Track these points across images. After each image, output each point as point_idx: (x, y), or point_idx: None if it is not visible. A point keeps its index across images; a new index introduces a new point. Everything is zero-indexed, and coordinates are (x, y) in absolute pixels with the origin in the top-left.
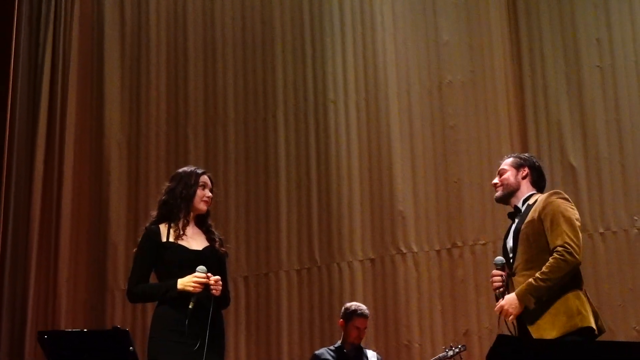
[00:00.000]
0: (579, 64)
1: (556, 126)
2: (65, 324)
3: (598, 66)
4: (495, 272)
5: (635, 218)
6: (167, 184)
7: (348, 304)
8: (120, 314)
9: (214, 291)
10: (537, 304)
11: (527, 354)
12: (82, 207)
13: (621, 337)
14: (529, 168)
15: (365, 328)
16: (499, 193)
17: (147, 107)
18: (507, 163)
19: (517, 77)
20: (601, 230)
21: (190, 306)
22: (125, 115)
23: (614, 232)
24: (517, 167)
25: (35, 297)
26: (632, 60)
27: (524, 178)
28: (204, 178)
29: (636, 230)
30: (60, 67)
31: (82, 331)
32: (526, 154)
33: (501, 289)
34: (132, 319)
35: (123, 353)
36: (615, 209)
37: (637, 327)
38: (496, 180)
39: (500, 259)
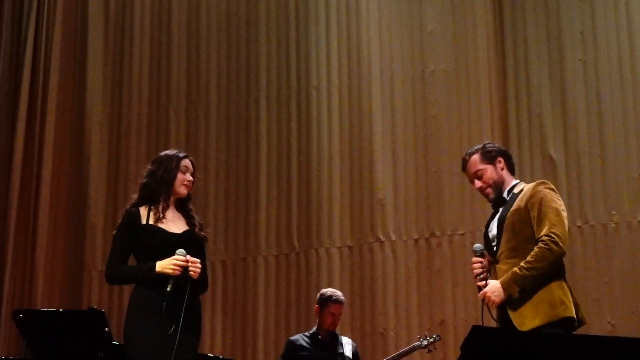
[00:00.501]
0: (562, 56)
1: (538, 118)
2: (41, 304)
3: (581, 60)
4: (475, 259)
5: (613, 212)
6: (149, 166)
7: (324, 290)
8: (97, 295)
9: (191, 273)
10: (521, 292)
11: (502, 344)
12: (61, 187)
13: (596, 331)
14: (502, 157)
15: (341, 314)
16: (491, 196)
17: (129, 88)
18: (476, 162)
19: (500, 68)
20: (579, 224)
21: (168, 289)
22: (107, 96)
23: (592, 226)
24: (491, 160)
25: (12, 277)
26: (615, 54)
27: (502, 169)
28: (186, 162)
29: (614, 225)
30: (42, 48)
31: (57, 311)
32: (487, 143)
33: (482, 275)
34: (109, 300)
35: (98, 333)
36: (594, 202)
37: (612, 322)
38: (479, 184)
39: (479, 245)
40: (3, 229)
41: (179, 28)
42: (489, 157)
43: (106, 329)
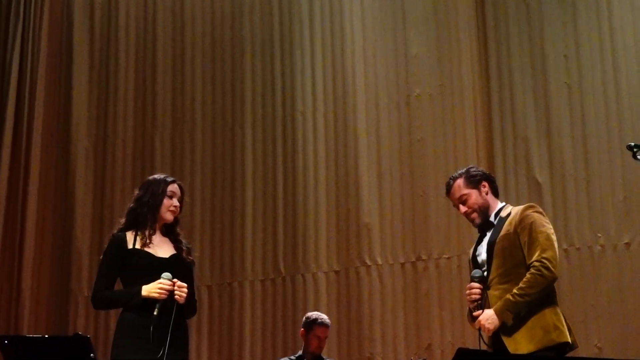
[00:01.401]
0: (546, 80)
1: (523, 142)
2: (27, 330)
3: (566, 83)
4: (473, 284)
5: (599, 235)
6: (136, 191)
7: (309, 314)
8: (84, 320)
9: (177, 297)
10: (514, 319)
11: None
12: (47, 212)
13: (583, 354)
14: (486, 181)
15: (326, 337)
16: (477, 221)
17: (115, 113)
18: (460, 187)
19: (484, 91)
20: (565, 247)
21: (154, 313)
22: (92, 121)
23: (578, 249)
24: (475, 185)
25: None
26: (599, 77)
27: (487, 194)
28: (173, 187)
29: (599, 247)
30: (28, 73)
31: (42, 337)
32: (470, 167)
33: (479, 302)
34: (95, 325)
35: (84, 359)
36: (580, 225)
37: (598, 344)
38: (464, 209)
39: (478, 271)
40: None
41: (164, 54)
42: (473, 181)
43: (92, 354)
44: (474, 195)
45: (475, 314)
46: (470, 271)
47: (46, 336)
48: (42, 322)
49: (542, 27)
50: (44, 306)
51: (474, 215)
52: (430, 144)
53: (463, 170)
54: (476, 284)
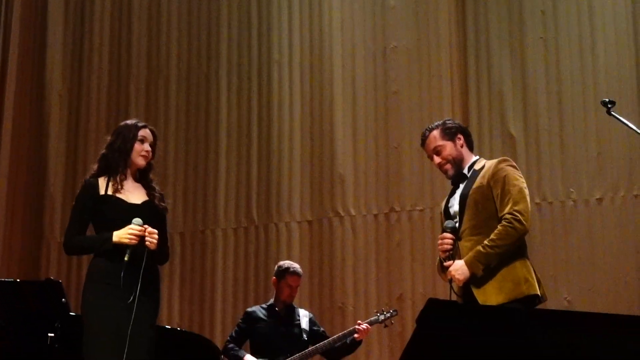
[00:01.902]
0: (522, 34)
1: (498, 96)
2: None
3: (542, 38)
4: (445, 235)
5: (572, 190)
6: (108, 137)
7: (281, 263)
8: (56, 266)
9: (148, 243)
10: (485, 270)
11: (458, 317)
12: (20, 158)
13: (552, 307)
14: (462, 134)
15: (298, 286)
16: (450, 172)
17: (90, 59)
18: (436, 138)
19: (461, 45)
20: (537, 201)
21: (125, 258)
22: (67, 67)
23: (550, 203)
24: (450, 137)
25: None
26: (576, 33)
27: (462, 146)
28: (144, 132)
29: (572, 202)
30: (2, 17)
31: (14, 281)
32: (447, 120)
33: (450, 252)
34: (68, 271)
35: (55, 304)
36: (553, 180)
37: (568, 298)
38: (438, 160)
39: (451, 222)
40: None
41: (140, 2)
42: (449, 133)
43: (63, 299)
44: (448, 147)
45: (446, 264)
46: (442, 223)
47: (17, 280)
48: (14, 267)
49: None
50: (16, 251)
51: (448, 166)
52: (405, 96)
53: (439, 122)
54: (448, 235)
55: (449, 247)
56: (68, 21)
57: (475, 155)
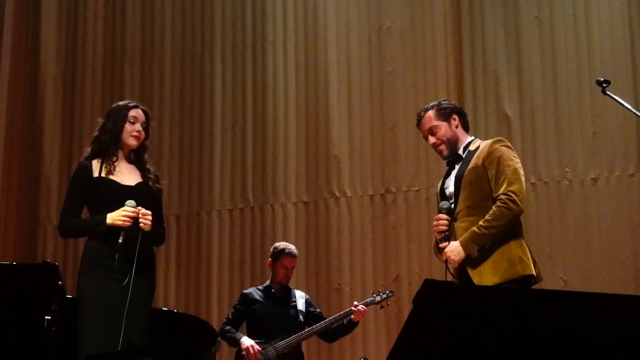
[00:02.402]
0: (517, 14)
1: (493, 75)
2: None
3: (536, 17)
4: (441, 215)
5: (567, 170)
6: (100, 119)
7: (277, 244)
8: (52, 248)
9: (142, 225)
10: (480, 251)
11: (455, 297)
12: (14, 140)
13: (549, 287)
14: (457, 114)
15: (293, 267)
16: (445, 153)
17: (84, 41)
18: (431, 118)
19: (456, 25)
20: (533, 181)
21: (119, 241)
22: (62, 49)
23: (546, 183)
24: (446, 117)
25: None
26: (570, 12)
27: (457, 127)
28: (135, 112)
29: (567, 182)
30: None
31: (9, 264)
32: (442, 100)
33: (446, 233)
34: (64, 254)
35: (52, 287)
36: (548, 160)
37: (564, 277)
38: (433, 140)
39: (446, 203)
40: None
41: None
42: (444, 113)
43: (60, 282)
44: (443, 127)
45: (441, 245)
46: (438, 203)
47: (13, 263)
48: (9, 250)
49: None
50: (11, 234)
51: (442, 147)
52: (400, 76)
53: (435, 102)
54: (444, 216)
55: (445, 228)
56: (62, 3)
57: (471, 136)
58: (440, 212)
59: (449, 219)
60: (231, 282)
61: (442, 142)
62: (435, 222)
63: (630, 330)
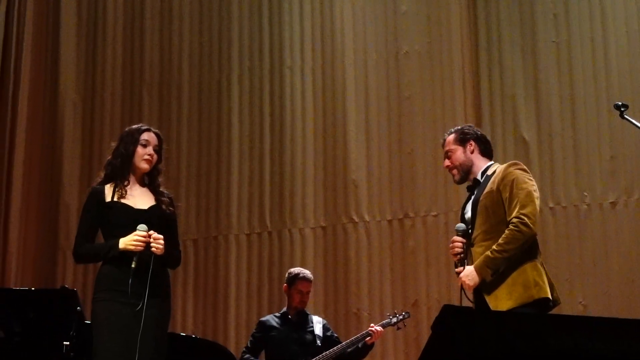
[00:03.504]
0: (535, 38)
1: (510, 100)
2: (14, 282)
3: (554, 41)
4: (456, 238)
5: (585, 194)
6: (113, 144)
7: (291, 269)
8: (72, 274)
9: (153, 249)
10: (494, 275)
11: (473, 323)
12: (34, 166)
13: (567, 311)
14: (474, 140)
15: (309, 292)
16: (457, 177)
17: (103, 67)
18: (450, 142)
19: (473, 49)
20: (551, 205)
21: (132, 265)
22: (81, 75)
23: (564, 207)
24: (462, 143)
25: None
26: (588, 36)
27: (472, 152)
28: (146, 135)
29: (585, 206)
30: (14, 26)
31: (29, 289)
32: (466, 126)
33: (461, 255)
34: (84, 279)
35: (70, 312)
36: (566, 184)
37: (583, 302)
38: (447, 163)
39: (462, 225)
40: None
41: (152, 6)
42: (462, 139)
43: (78, 307)
44: (457, 152)
45: (457, 270)
46: None
47: (32, 289)
48: (29, 275)
49: None
50: (30, 260)
51: (454, 171)
52: (418, 101)
53: (459, 127)
54: (458, 238)
55: (460, 250)
56: (81, 29)
57: (491, 161)
58: (456, 234)
59: (464, 241)
60: (249, 307)
61: (454, 167)
62: (450, 245)
63: None
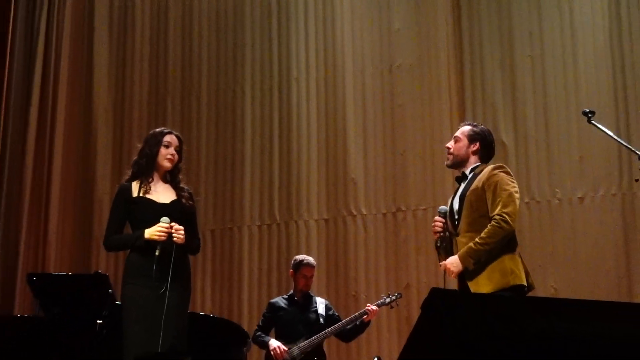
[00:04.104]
0: (512, 53)
1: (491, 107)
2: (53, 269)
3: (529, 55)
4: (437, 218)
5: (557, 190)
6: (139, 145)
7: (296, 256)
8: (105, 261)
9: (175, 239)
10: (476, 264)
11: (458, 304)
12: (70, 165)
13: (541, 294)
14: (480, 143)
15: (312, 276)
16: (449, 162)
17: (132, 78)
18: (464, 132)
19: (458, 63)
20: (526, 200)
21: (156, 253)
22: (112, 84)
23: (538, 202)
24: (471, 140)
25: (27, 244)
26: (560, 51)
27: (474, 153)
28: (169, 137)
29: (557, 201)
30: (53, 40)
31: (66, 274)
32: (486, 129)
33: (440, 234)
34: (115, 266)
35: (103, 295)
36: (540, 181)
37: (554, 286)
38: (450, 144)
39: (444, 207)
40: (20, 202)
41: (175, 26)
42: (471, 136)
43: (110, 290)
44: (462, 144)
45: (441, 264)
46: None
47: (70, 274)
48: (66, 262)
49: (510, 5)
50: (67, 248)
51: (449, 156)
52: (409, 108)
53: (476, 124)
54: (439, 218)
55: (440, 229)
56: (112, 44)
57: (482, 163)
58: (438, 214)
59: (443, 221)
60: (260, 290)
61: (451, 154)
62: (433, 224)
63: (613, 334)
